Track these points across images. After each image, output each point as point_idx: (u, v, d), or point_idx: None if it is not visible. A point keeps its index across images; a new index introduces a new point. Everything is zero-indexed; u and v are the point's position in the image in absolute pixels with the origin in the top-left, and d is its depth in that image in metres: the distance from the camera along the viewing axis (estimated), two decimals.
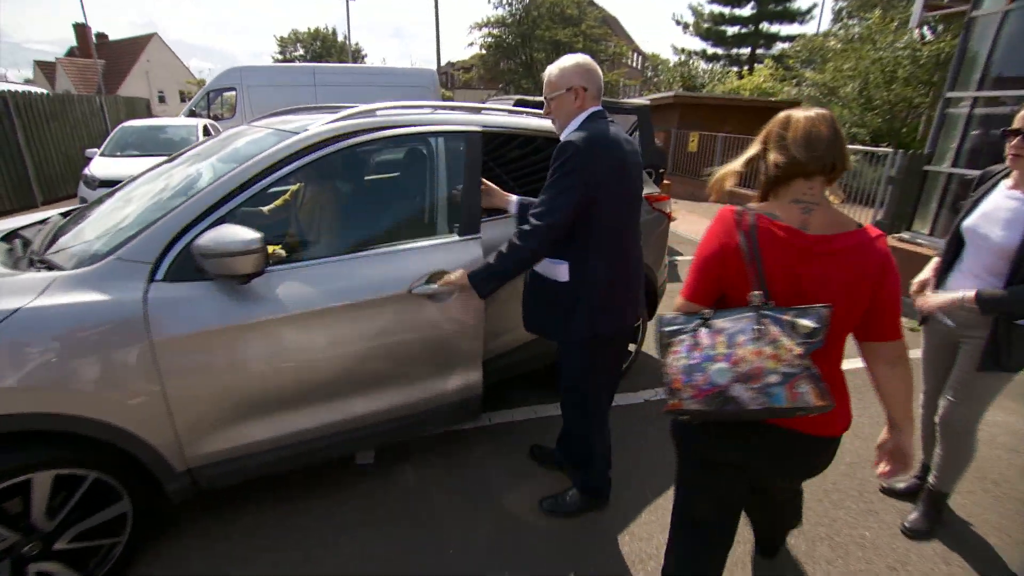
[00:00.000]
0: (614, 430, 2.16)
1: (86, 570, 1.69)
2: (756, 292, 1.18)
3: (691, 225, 8.39)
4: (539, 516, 2.11)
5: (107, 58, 30.27)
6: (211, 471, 1.79)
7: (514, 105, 6.37)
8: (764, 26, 25.95)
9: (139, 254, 1.60)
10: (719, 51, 27.07)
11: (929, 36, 11.97)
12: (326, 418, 1.91)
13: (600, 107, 1.83)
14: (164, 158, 2.54)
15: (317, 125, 1.91)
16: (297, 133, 1.88)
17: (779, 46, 25.60)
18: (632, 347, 3.16)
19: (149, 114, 12.27)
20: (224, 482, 1.85)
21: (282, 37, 34.90)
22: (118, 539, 1.74)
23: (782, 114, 1.25)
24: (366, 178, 2.81)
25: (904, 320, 1.29)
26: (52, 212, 2.49)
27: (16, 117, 7.59)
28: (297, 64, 17.79)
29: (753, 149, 1.30)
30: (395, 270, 1.95)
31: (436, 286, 1.94)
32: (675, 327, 1.23)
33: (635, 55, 40.90)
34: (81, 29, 29.19)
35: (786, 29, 25.97)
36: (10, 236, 2.14)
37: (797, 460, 1.33)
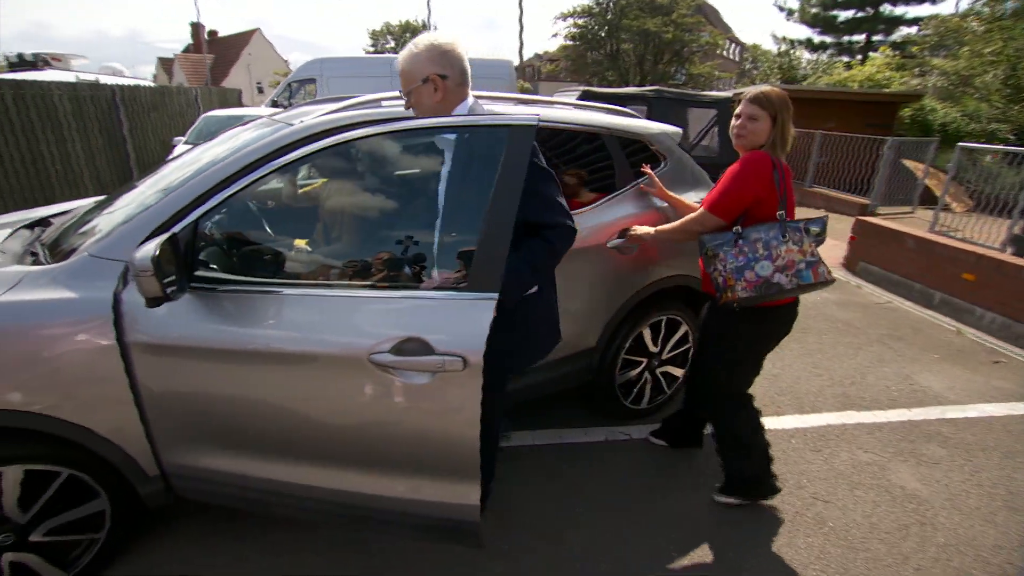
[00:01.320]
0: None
1: (64, 564, 1.70)
2: (781, 212, 1.89)
3: None
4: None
5: (216, 53, 33.30)
6: (187, 484, 1.73)
7: (579, 97, 6.11)
8: (886, 8, 23.22)
9: (111, 252, 1.53)
10: (827, 39, 24.66)
11: None
12: (284, 475, 1.64)
13: (471, 98, 1.57)
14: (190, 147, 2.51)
15: (310, 117, 1.76)
16: (290, 125, 1.75)
17: (902, 31, 22.91)
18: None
19: (240, 104, 13.26)
20: (201, 497, 1.78)
21: (374, 30, 36.49)
22: (97, 535, 1.74)
23: (782, 91, 1.91)
24: (360, 184, 2.41)
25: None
26: (90, 200, 2.57)
27: (122, 108, 8.41)
28: (375, 55, 18.48)
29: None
30: (354, 322, 1.48)
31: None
32: (717, 242, 1.88)
33: (731, 46, 38.51)
34: (195, 28, 32.37)
35: (913, 10, 23.10)
36: (40, 223, 2.23)
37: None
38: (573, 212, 1.66)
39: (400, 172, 1.87)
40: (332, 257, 1.80)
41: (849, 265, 5.95)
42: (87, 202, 2.47)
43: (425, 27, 35.17)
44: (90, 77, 10.21)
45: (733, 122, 1.98)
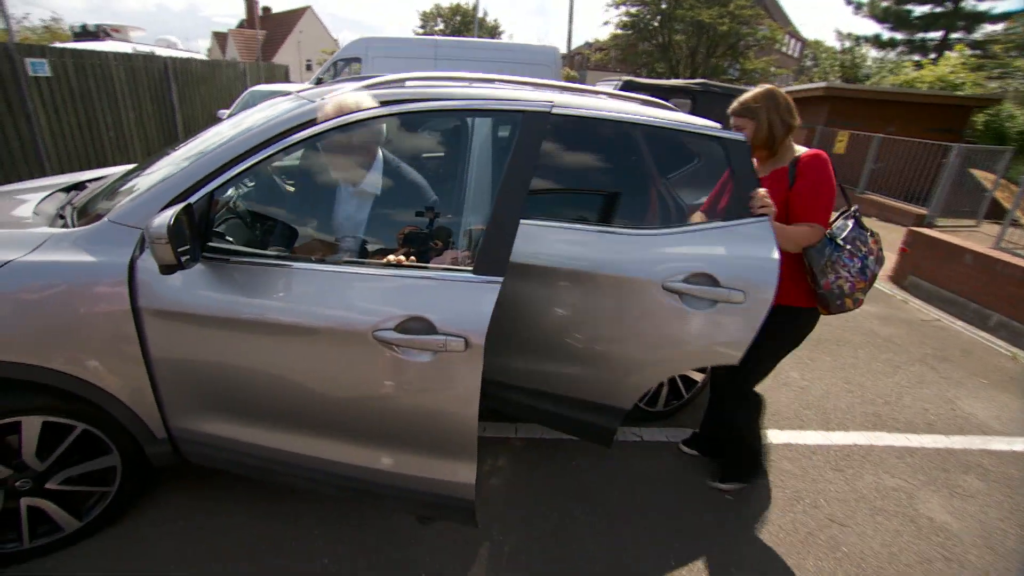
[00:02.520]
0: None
1: (77, 513, 1.80)
2: (855, 207, 2.05)
3: None
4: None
5: (268, 29, 34.14)
6: (192, 447, 1.79)
7: (620, 87, 5.96)
8: (968, 3, 21.55)
9: (130, 218, 1.57)
10: (897, 36, 23.28)
11: None
12: (287, 445, 1.70)
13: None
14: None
15: (333, 95, 1.76)
16: (312, 103, 1.76)
17: (984, 28, 21.29)
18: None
19: (287, 81, 13.57)
20: (206, 462, 1.84)
21: (424, 12, 36.71)
22: (108, 489, 1.83)
23: (766, 89, 1.97)
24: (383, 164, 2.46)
25: None
26: (123, 168, 2.67)
27: (173, 80, 8.74)
28: (420, 36, 18.53)
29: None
30: (360, 299, 1.52)
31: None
32: (826, 251, 1.88)
33: (791, 41, 36.89)
34: (249, 3, 33.22)
35: (1001, 4, 21.36)
36: (77, 187, 2.33)
37: None
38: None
39: (419, 153, 1.90)
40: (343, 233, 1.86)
41: (897, 278, 5.65)
42: (121, 169, 2.56)
43: (475, 11, 35.15)
44: (146, 48, 10.64)
45: None
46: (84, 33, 13.45)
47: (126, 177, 2.10)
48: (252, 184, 2.15)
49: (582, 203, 2.19)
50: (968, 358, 3.89)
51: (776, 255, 1.70)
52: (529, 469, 2.33)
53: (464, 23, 34.76)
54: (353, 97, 1.70)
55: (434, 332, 1.43)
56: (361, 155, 1.90)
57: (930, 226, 7.50)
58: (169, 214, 1.33)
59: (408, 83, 1.89)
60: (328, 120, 1.63)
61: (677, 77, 21.15)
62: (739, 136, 1.90)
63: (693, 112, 5.41)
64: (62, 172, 6.44)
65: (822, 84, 11.70)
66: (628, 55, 27.01)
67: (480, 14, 35.10)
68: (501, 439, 2.51)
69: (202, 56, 9.04)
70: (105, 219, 1.60)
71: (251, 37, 32.69)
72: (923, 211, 8.04)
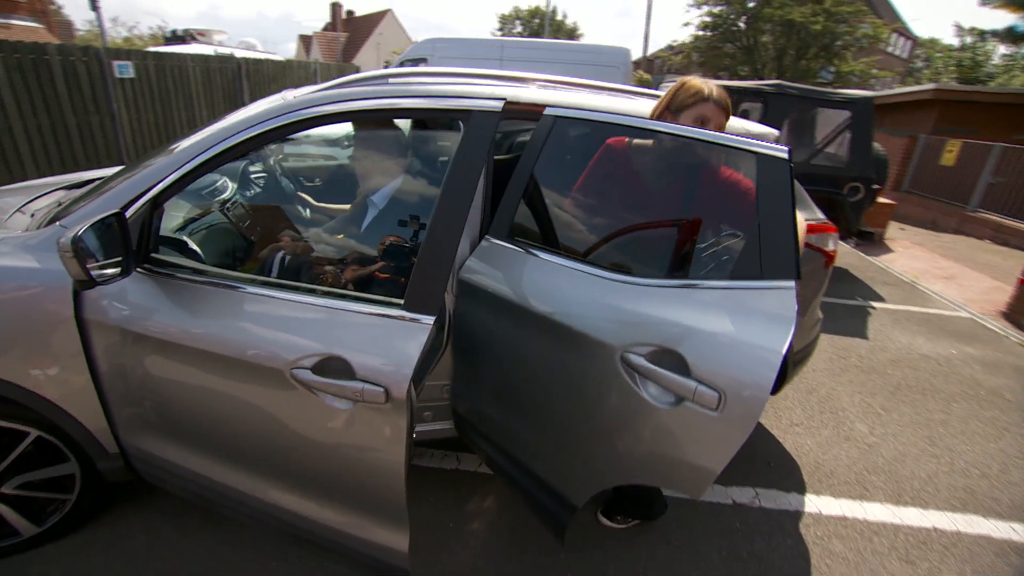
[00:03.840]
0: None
1: (36, 519, 1.76)
2: None
3: (913, 262, 6.47)
4: None
5: (350, 32, 35.90)
6: (144, 466, 1.71)
7: None
8: None
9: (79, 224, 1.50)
10: None
11: None
12: (224, 478, 1.58)
13: None
14: None
15: (303, 91, 1.64)
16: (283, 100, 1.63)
17: None
18: None
19: None
20: (156, 483, 1.75)
21: (503, 15, 37.23)
22: (68, 497, 1.78)
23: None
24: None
25: None
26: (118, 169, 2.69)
27: (245, 79, 9.23)
28: (487, 37, 18.63)
29: None
30: (281, 329, 1.37)
31: None
32: None
33: (899, 39, 33.84)
34: (334, 7, 35.14)
35: None
36: (80, 186, 2.34)
37: None
38: None
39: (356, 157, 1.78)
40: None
41: (1013, 315, 4.82)
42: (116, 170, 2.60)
43: (555, 12, 35.15)
44: (226, 51, 11.35)
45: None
46: (174, 37, 14.73)
47: (110, 179, 2.08)
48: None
49: (561, 227, 1.69)
50: None
51: (784, 348, 1.14)
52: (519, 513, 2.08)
53: (543, 25, 34.89)
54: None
55: (352, 377, 1.25)
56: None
57: None
58: (80, 226, 1.26)
59: (391, 80, 1.75)
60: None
61: (761, 80, 19.97)
62: (778, 151, 1.29)
63: (763, 118, 4.90)
64: None
65: (929, 86, 10.47)
66: (709, 58, 25.80)
67: (559, 16, 35.06)
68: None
69: (278, 57, 9.53)
70: (57, 224, 1.55)
71: (333, 39, 34.53)
72: None
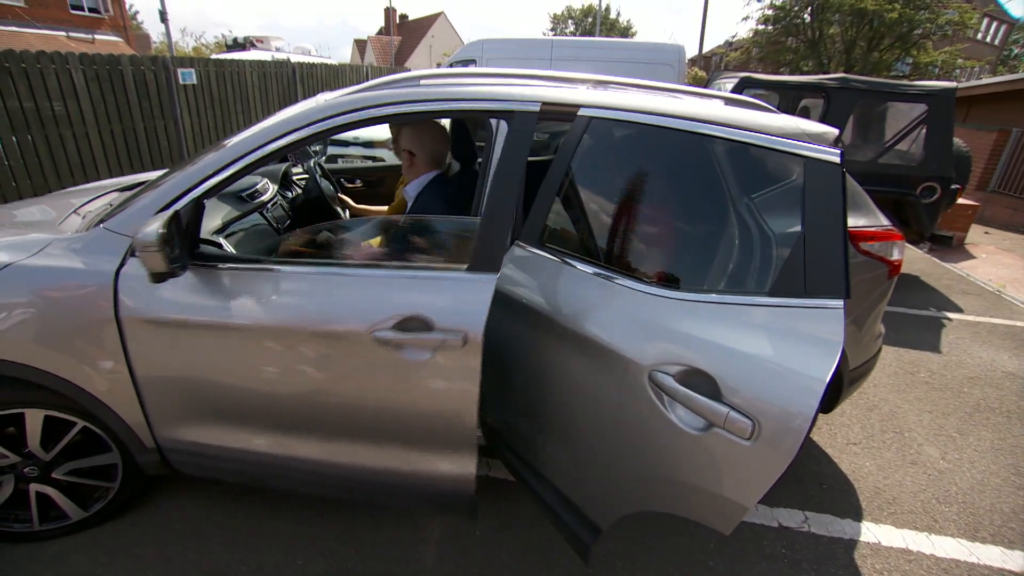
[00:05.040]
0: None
1: (83, 504, 1.88)
2: None
3: (999, 269, 5.92)
4: None
5: (403, 35, 36.87)
6: (180, 457, 1.79)
7: (736, 86, 5.27)
8: None
9: (123, 226, 1.60)
10: None
11: None
12: (282, 449, 1.70)
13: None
14: None
15: (333, 95, 1.69)
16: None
17: None
18: None
19: None
20: (195, 472, 1.84)
21: (555, 14, 37.19)
22: (111, 485, 1.89)
23: None
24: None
25: None
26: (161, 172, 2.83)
27: (300, 83, 9.64)
28: (536, 37, 18.62)
29: None
30: (362, 299, 1.51)
31: None
32: None
33: (992, 24, 31.24)
34: (387, 12, 36.23)
35: None
36: (131, 188, 2.48)
37: None
38: None
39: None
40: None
41: None
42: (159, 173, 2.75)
43: (608, 11, 34.77)
44: (282, 56, 11.89)
45: None
46: (235, 45, 15.64)
47: (154, 182, 2.19)
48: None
49: (593, 234, 1.66)
50: None
51: (829, 376, 1.04)
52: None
53: (595, 24, 34.66)
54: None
55: (431, 330, 1.44)
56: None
57: None
58: (158, 222, 1.36)
59: (423, 82, 1.77)
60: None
61: (827, 75, 18.95)
62: (829, 153, 1.22)
63: (825, 115, 4.59)
64: None
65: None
66: (769, 53, 24.73)
67: (612, 14, 34.63)
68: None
69: (331, 62, 9.94)
70: (100, 226, 1.63)
71: (386, 43, 35.55)
72: None
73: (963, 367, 3.55)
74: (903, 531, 2.11)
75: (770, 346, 1.13)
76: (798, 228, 1.19)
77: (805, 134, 2.01)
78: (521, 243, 1.61)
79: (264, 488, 2.01)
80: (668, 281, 1.40)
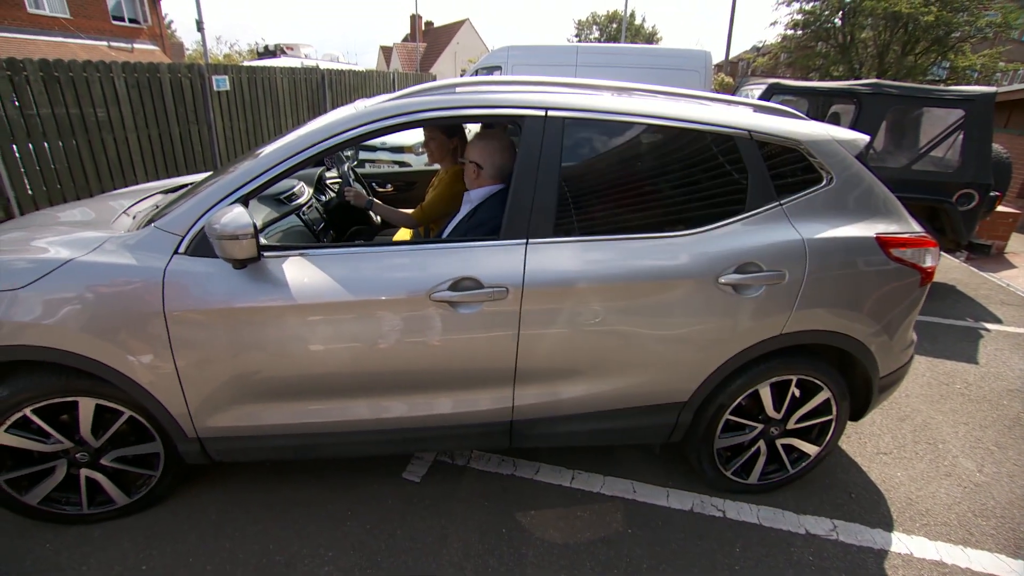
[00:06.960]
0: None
1: (127, 491, 1.98)
2: None
3: None
4: None
5: (428, 42, 37.37)
6: (219, 445, 1.88)
7: (763, 93, 5.23)
8: None
9: (173, 225, 1.71)
10: None
11: None
12: (335, 416, 1.87)
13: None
14: None
15: (374, 101, 1.80)
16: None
17: None
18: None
19: None
20: (234, 457, 1.94)
21: (580, 20, 37.30)
22: (154, 473, 1.99)
23: None
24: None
25: None
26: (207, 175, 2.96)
27: (328, 89, 9.87)
28: (561, 44, 18.72)
29: None
30: (416, 269, 1.77)
31: None
32: None
33: None
34: (413, 19, 36.77)
35: None
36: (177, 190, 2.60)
37: None
38: (671, 235, 1.86)
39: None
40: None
41: None
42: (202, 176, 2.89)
43: (633, 16, 34.72)
44: (311, 63, 12.20)
45: None
46: (266, 52, 16.16)
47: (200, 184, 2.31)
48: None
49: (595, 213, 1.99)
50: None
51: None
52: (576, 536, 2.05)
53: (620, 30, 34.64)
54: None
55: (481, 287, 1.75)
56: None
57: None
58: (238, 211, 1.54)
59: (458, 89, 1.90)
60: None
61: (859, 80, 18.53)
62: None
63: (856, 122, 4.53)
64: None
65: None
66: (798, 58, 24.35)
67: (637, 20, 34.56)
68: (555, 486, 2.26)
69: (359, 68, 10.20)
70: (152, 225, 1.74)
71: (412, 50, 36.09)
72: None
73: (1002, 379, 3.46)
74: (937, 543, 2.08)
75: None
76: None
77: (835, 140, 2.04)
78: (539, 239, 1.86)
79: (314, 457, 2.14)
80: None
